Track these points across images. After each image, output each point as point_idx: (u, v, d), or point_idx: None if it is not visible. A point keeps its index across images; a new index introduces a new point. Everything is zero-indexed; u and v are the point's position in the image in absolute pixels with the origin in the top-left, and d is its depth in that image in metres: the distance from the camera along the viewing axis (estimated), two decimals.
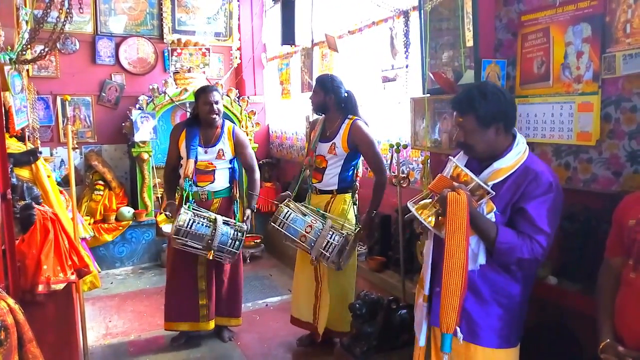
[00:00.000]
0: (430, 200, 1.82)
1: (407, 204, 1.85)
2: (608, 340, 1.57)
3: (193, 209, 3.17)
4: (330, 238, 2.93)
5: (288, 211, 3.02)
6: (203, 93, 3.26)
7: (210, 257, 3.10)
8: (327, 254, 2.92)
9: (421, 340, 1.95)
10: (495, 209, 1.76)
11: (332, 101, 3.11)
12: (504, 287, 1.83)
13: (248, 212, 3.36)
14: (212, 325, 3.43)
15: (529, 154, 1.84)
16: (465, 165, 1.87)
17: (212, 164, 3.29)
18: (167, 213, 3.32)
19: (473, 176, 1.75)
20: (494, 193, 1.74)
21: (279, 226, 2.99)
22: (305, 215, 3.04)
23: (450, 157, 1.95)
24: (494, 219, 1.76)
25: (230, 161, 3.38)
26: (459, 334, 1.75)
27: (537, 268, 1.92)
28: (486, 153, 1.83)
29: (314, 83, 4.66)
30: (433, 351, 1.94)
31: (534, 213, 1.72)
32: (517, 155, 1.81)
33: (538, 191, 1.73)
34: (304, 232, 2.95)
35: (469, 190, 1.72)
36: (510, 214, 1.78)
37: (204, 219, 3.12)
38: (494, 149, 1.82)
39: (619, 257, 1.66)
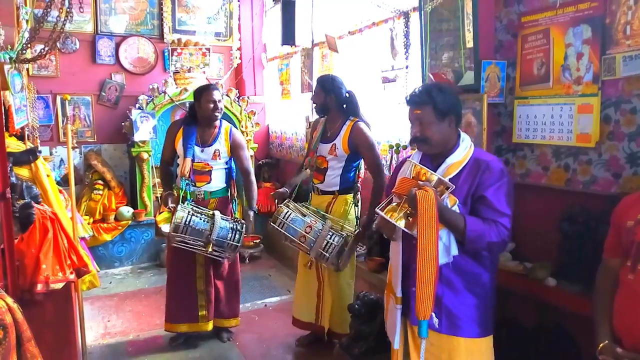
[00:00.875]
0: (395, 203, 1.89)
1: (376, 211, 1.94)
2: (606, 341, 1.58)
3: (191, 205, 3.17)
4: (330, 239, 2.93)
5: (288, 211, 3.02)
6: (206, 91, 3.25)
7: (210, 249, 3.07)
8: (327, 255, 2.91)
9: (396, 344, 2.01)
10: (457, 201, 1.85)
11: (332, 102, 3.10)
12: (477, 276, 1.92)
13: (251, 214, 3.35)
14: (210, 326, 3.43)
15: (475, 148, 1.97)
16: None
17: (208, 164, 3.29)
18: (170, 205, 3.24)
19: (433, 173, 1.85)
20: (454, 186, 1.82)
21: (278, 226, 2.99)
22: (305, 215, 3.04)
23: (407, 159, 2.06)
24: (458, 211, 1.85)
25: (227, 162, 3.38)
26: (434, 319, 1.84)
27: (501, 253, 2.04)
28: (440, 146, 1.94)
29: (314, 83, 4.68)
30: (413, 352, 1.96)
31: (493, 199, 1.84)
32: (465, 149, 1.94)
33: (492, 179, 1.86)
34: (303, 233, 2.95)
35: (432, 186, 1.81)
36: (470, 203, 1.89)
37: (201, 214, 3.12)
38: (447, 142, 1.94)
39: (617, 259, 1.67)
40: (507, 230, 1.84)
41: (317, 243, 2.92)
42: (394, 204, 1.90)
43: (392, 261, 2.04)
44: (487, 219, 1.84)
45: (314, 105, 3.22)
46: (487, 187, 1.85)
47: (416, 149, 2.05)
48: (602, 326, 1.63)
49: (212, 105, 3.21)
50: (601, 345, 1.58)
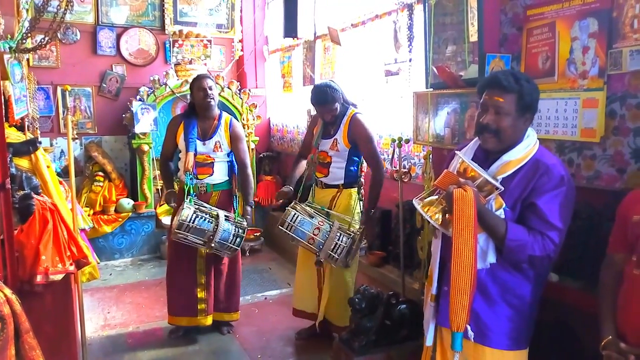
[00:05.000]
0: (436, 196, 1.76)
1: (413, 201, 1.80)
2: (610, 337, 1.56)
3: (194, 202, 3.16)
4: (339, 240, 2.92)
5: (295, 214, 2.99)
6: (197, 80, 3.28)
7: (210, 250, 3.11)
8: (336, 256, 2.92)
9: (428, 340, 1.91)
10: (504, 205, 1.70)
11: (340, 103, 3.09)
12: (515, 287, 1.77)
13: (248, 209, 3.35)
14: (210, 320, 3.41)
15: (539, 147, 1.79)
16: (472, 158, 1.81)
17: (210, 156, 3.28)
18: (172, 204, 3.32)
19: (481, 171, 1.69)
20: (503, 188, 1.68)
21: (286, 229, 2.97)
22: (312, 217, 3.03)
23: (456, 151, 1.88)
24: (503, 216, 1.70)
25: (228, 154, 3.37)
26: (470, 333, 1.70)
27: (549, 266, 1.86)
28: (507, 144, 1.75)
29: (316, 77, 4.65)
30: (438, 350, 1.91)
31: (545, 208, 1.66)
32: (526, 147, 1.75)
33: (549, 185, 1.68)
34: (312, 235, 2.94)
35: (477, 186, 1.66)
36: (520, 209, 1.73)
37: (206, 214, 3.11)
38: (514, 141, 1.75)
39: (621, 253, 1.64)
40: (554, 245, 1.67)
41: (326, 245, 2.92)
42: (434, 197, 1.76)
43: (432, 255, 1.90)
44: (533, 229, 1.67)
45: (330, 118, 3.09)
46: (541, 195, 1.67)
47: (474, 139, 1.88)
48: (606, 321, 1.60)
49: (202, 93, 3.23)
50: (605, 340, 1.56)
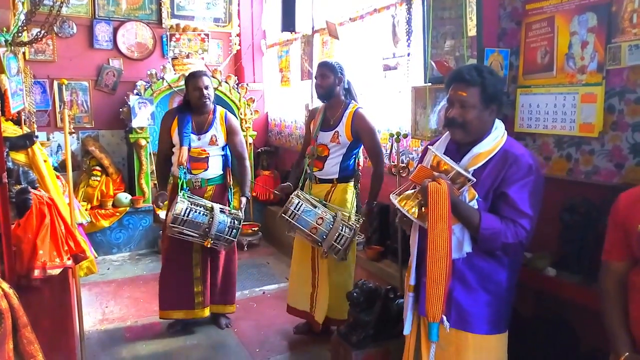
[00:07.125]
0: (412, 191, 1.81)
1: (390, 196, 1.84)
2: (627, 353, 1.50)
3: (188, 197, 3.16)
4: (342, 230, 2.92)
5: (299, 202, 2.96)
6: (192, 78, 3.23)
7: (208, 245, 3.09)
8: (339, 247, 2.91)
9: (406, 329, 1.97)
10: (477, 196, 1.76)
11: (340, 85, 3.09)
12: (491, 273, 1.84)
13: (244, 200, 3.35)
14: (207, 312, 3.42)
15: (508, 138, 1.84)
16: (444, 152, 1.88)
17: (205, 150, 3.26)
18: (159, 204, 3.30)
19: (453, 164, 1.74)
20: (475, 180, 1.73)
21: (289, 217, 2.95)
22: (316, 207, 3.02)
23: (428, 146, 1.94)
24: (476, 206, 1.76)
25: (223, 148, 3.36)
26: (445, 322, 1.77)
27: (522, 252, 1.93)
28: (475, 136, 1.81)
29: (314, 71, 4.63)
30: (423, 340, 1.94)
31: (515, 197, 1.73)
32: (495, 139, 1.81)
33: (518, 175, 1.74)
34: (315, 224, 2.92)
35: (450, 178, 1.71)
36: (492, 199, 1.78)
37: (200, 207, 3.10)
38: (482, 133, 1.81)
39: (622, 262, 1.58)
40: (525, 232, 1.73)
41: (330, 235, 2.90)
42: (410, 191, 1.80)
43: (410, 247, 1.95)
44: (505, 217, 1.73)
45: (319, 89, 3.12)
46: (511, 184, 1.73)
47: (445, 133, 1.93)
48: (619, 335, 1.54)
49: (198, 93, 3.19)
50: (622, 357, 1.50)
